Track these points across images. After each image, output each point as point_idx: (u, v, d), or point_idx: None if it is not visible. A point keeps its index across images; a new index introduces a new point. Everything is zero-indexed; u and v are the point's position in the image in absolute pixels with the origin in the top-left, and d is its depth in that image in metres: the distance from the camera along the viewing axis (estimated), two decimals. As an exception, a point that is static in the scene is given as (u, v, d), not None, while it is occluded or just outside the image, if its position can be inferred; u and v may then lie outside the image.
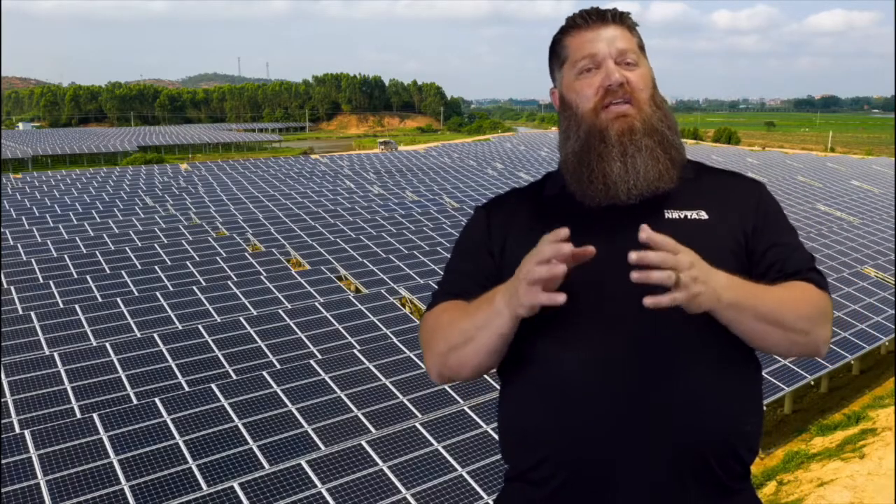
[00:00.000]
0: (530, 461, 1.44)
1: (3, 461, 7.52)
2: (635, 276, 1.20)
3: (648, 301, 1.20)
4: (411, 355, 10.86)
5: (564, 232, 1.25)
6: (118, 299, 14.36)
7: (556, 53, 1.53)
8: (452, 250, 1.65)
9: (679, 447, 1.34)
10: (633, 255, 1.20)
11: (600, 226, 1.43)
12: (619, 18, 1.50)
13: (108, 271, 17.97)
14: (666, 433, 1.34)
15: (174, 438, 8.23)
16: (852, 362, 14.00)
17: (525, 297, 1.26)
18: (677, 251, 1.22)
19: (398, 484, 7.38)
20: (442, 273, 1.64)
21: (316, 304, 14.11)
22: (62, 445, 7.90)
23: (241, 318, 12.99)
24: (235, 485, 7.15)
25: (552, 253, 1.23)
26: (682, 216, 1.45)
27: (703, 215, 1.45)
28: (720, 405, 1.37)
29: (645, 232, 1.22)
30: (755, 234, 1.47)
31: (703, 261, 1.26)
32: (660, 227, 1.38)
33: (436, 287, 1.62)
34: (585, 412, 1.35)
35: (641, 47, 1.52)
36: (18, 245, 21.10)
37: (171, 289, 16.06)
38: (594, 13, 1.50)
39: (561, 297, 1.24)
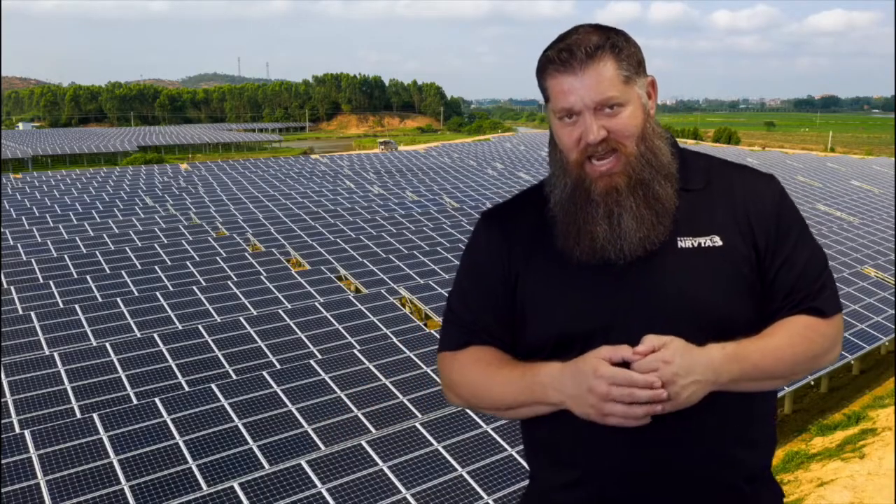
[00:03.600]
0: (555, 482, 1.47)
1: (3, 461, 7.52)
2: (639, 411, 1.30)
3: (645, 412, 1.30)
4: (411, 355, 10.86)
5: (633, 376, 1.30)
6: (118, 299, 14.35)
7: (541, 86, 1.45)
8: (464, 270, 1.59)
9: (697, 477, 1.39)
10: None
11: (616, 265, 1.43)
12: (600, 53, 1.35)
13: (108, 271, 17.97)
14: (686, 465, 1.38)
15: (174, 438, 8.23)
16: (852, 362, 14.00)
17: (601, 422, 1.31)
18: (657, 368, 1.27)
19: (398, 484, 7.38)
20: (452, 293, 1.60)
21: (316, 304, 14.10)
22: (62, 445, 7.90)
23: (241, 318, 12.99)
24: (235, 485, 7.15)
25: (621, 395, 1.28)
26: (696, 244, 1.42)
27: (717, 241, 1.42)
28: (742, 422, 1.42)
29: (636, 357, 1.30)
30: (768, 250, 1.44)
31: (690, 352, 1.30)
32: (674, 259, 1.42)
33: (447, 307, 1.60)
34: (613, 440, 1.38)
35: (632, 74, 1.39)
36: (18, 245, 21.09)
37: (171, 289, 16.05)
38: (568, 55, 1.36)
39: (637, 422, 1.30)
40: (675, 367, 1.27)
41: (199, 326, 12.47)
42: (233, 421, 8.70)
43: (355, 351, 10.87)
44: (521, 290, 1.49)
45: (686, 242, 1.42)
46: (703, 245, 1.42)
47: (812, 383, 13.15)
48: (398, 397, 9.71)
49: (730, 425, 1.40)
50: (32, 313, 13.26)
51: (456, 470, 7.68)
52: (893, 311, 14.87)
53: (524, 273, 1.49)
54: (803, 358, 1.39)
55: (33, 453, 7.74)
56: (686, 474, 1.38)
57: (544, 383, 1.36)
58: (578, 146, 1.40)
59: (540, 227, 1.51)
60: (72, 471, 7.53)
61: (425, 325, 14.37)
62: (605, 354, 1.30)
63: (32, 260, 18.52)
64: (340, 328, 13.22)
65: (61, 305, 14.85)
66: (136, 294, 15.63)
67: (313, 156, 58.15)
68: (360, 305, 14.16)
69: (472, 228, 1.70)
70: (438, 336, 1.61)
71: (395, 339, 11.67)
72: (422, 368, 10.48)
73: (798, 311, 1.42)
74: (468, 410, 8.78)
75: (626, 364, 1.30)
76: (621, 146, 1.39)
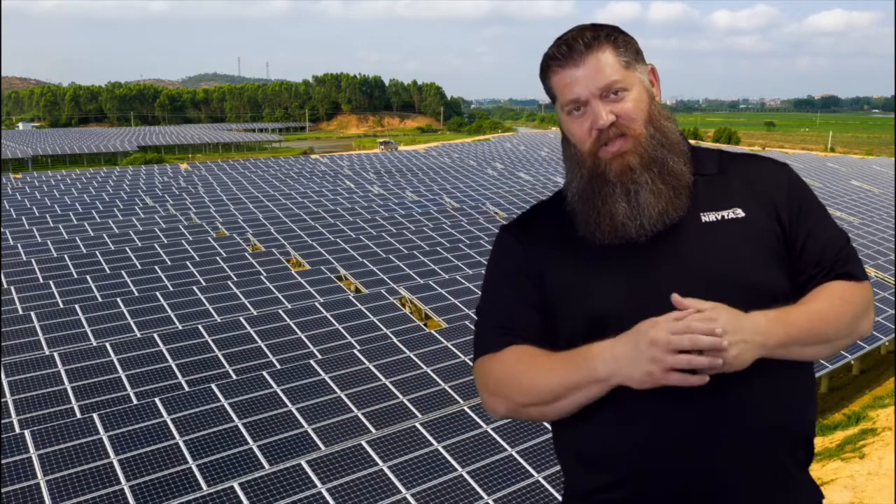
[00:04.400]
0: (602, 482, 1.43)
1: (3, 461, 7.52)
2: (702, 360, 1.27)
3: (701, 379, 1.27)
4: (411, 355, 10.86)
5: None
6: (118, 299, 14.35)
7: (546, 86, 1.49)
8: (491, 278, 1.59)
9: (756, 457, 1.37)
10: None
11: (640, 243, 1.43)
12: (594, 42, 1.41)
13: (108, 271, 17.97)
14: (741, 445, 1.36)
15: (174, 438, 8.23)
16: (852, 362, 14.00)
17: (662, 380, 1.28)
18: (712, 321, 1.26)
19: (398, 484, 7.38)
20: (482, 302, 1.59)
21: (316, 304, 14.10)
22: (62, 445, 7.90)
23: (241, 318, 12.99)
24: (235, 485, 7.15)
25: (688, 343, 1.25)
26: (719, 217, 1.45)
27: (740, 213, 1.45)
28: (790, 404, 1.40)
29: (676, 303, 1.29)
30: (792, 224, 1.47)
31: (737, 314, 1.29)
32: (699, 233, 1.43)
33: (478, 317, 1.58)
34: (660, 434, 1.36)
35: (631, 60, 1.44)
36: (18, 245, 21.09)
37: (171, 289, 16.05)
38: (567, 49, 1.42)
39: (698, 380, 1.27)
40: (720, 322, 1.26)
41: (199, 326, 12.47)
42: (233, 421, 8.70)
43: (355, 351, 10.87)
44: (548, 286, 1.49)
45: (709, 216, 1.45)
46: (726, 217, 1.45)
47: (812, 383, 13.13)
48: (398, 397, 9.71)
49: (781, 410, 1.39)
50: (32, 313, 13.25)
51: (456, 470, 7.68)
52: (893, 311, 14.87)
53: (547, 271, 1.50)
54: (846, 319, 1.41)
55: (33, 453, 7.73)
56: (736, 469, 1.36)
57: (594, 356, 1.34)
58: (590, 136, 1.43)
59: (559, 224, 1.52)
60: (72, 471, 7.53)
61: (425, 325, 14.37)
62: (663, 319, 1.29)
63: (32, 260, 18.52)
64: (340, 328, 13.22)
65: (61, 305, 14.85)
66: (136, 294, 15.63)
67: (313, 156, 58.17)
68: (360, 305, 14.16)
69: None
70: (473, 345, 1.56)
71: (395, 339, 11.67)
72: (422, 368, 10.48)
73: (831, 278, 1.45)
74: (467, 409, 8.78)
75: None
76: (630, 129, 1.42)
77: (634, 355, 1.29)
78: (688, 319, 1.27)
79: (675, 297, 1.30)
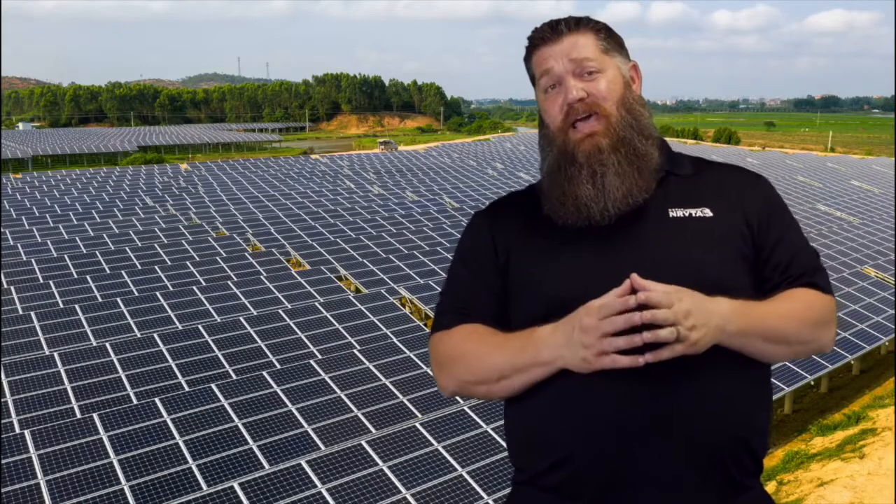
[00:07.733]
0: (542, 465, 1.43)
1: (3, 461, 7.52)
2: (647, 336, 1.24)
3: (648, 357, 1.25)
4: (411, 355, 10.86)
5: (630, 300, 1.25)
6: (118, 299, 14.36)
7: (528, 67, 1.54)
8: (456, 260, 1.62)
9: (693, 447, 1.34)
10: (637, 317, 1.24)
11: (605, 231, 1.43)
12: (576, 26, 1.47)
13: (108, 271, 17.97)
14: (680, 435, 1.34)
15: (174, 438, 8.23)
16: (852, 362, 14.00)
17: (597, 364, 1.28)
18: (672, 303, 1.25)
19: (398, 484, 7.38)
20: (445, 282, 1.61)
21: (316, 304, 14.11)
22: (62, 445, 7.90)
23: (241, 318, 12.99)
24: (235, 485, 7.15)
25: (614, 326, 1.25)
26: (687, 214, 1.45)
27: (708, 213, 1.46)
28: (733, 403, 1.38)
29: (636, 283, 1.26)
30: (762, 230, 1.47)
31: (701, 296, 1.28)
32: (665, 226, 1.43)
33: (440, 296, 1.60)
34: (599, 417, 1.35)
35: (611, 48, 1.48)
36: (18, 245, 21.10)
37: (171, 289, 16.06)
38: (547, 27, 1.48)
39: (628, 361, 1.26)
40: (687, 303, 1.26)
41: (199, 326, 12.48)
42: (233, 421, 8.71)
43: (355, 351, 10.87)
44: (512, 271, 1.51)
45: (677, 213, 1.46)
46: (694, 215, 1.46)
47: (812, 383, 13.14)
48: (398, 397, 9.71)
49: (723, 407, 1.36)
50: (32, 313, 13.26)
51: (456, 470, 7.68)
52: (893, 311, 14.88)
53: (512, 257, 1.51)
54: (808, 323, 1.40)
55: (33, 453, 7.74)
56: (672, 457, 1.33)
57: (537, 340, 1.36)
58: (562, 112, 1.46)
59: (531, 208, 1.55)
60: (72, 471, 7.54)
61: (425, 325, 14.37)
62: (594, 304, 1.28)
63: (32, 260, 18.53)
64: (340, 328, 13.22)
65: (61, 305, 14.85)
66: (136, 294, 15.64)
67: (313, 156, 58.22)
68: (360, 305, 14.16)
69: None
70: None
71: (395, 339, 11.68)
72: (422, 368, 10.49)
73: (796, 286, 1.45)
74: (467, 409, 8.78)
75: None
76: (601, 108, 1.45)
77: (570, 341, 1.30)
78: (611, 298, 1.25)
79: (634, 277, 1.27)
